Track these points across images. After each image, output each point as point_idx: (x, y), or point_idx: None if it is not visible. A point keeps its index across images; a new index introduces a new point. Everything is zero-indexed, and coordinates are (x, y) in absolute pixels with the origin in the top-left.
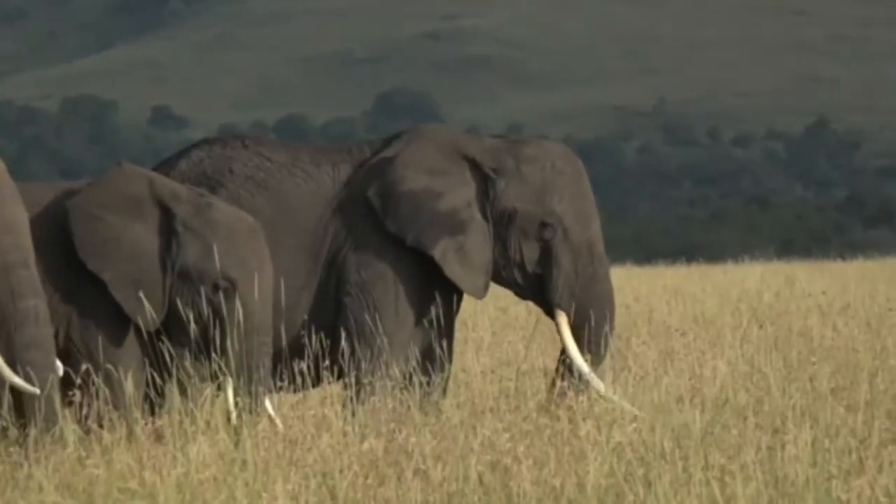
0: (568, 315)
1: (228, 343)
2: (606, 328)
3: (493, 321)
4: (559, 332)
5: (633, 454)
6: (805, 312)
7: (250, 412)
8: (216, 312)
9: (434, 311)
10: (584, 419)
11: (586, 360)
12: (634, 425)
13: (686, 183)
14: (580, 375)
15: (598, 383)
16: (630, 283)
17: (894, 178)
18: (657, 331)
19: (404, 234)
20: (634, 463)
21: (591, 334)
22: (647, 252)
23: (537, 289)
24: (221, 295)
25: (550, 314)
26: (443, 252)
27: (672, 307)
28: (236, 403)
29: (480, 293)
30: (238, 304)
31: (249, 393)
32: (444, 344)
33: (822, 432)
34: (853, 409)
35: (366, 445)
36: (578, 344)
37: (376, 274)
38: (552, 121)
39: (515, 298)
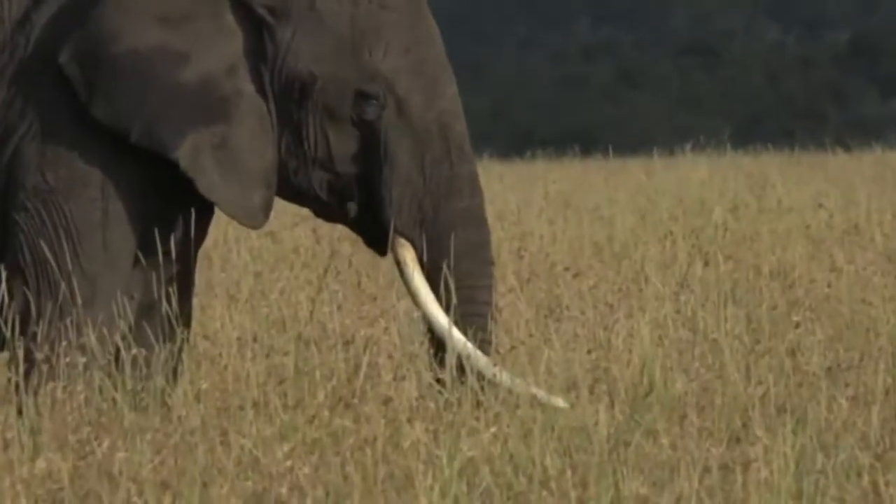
0: (414, 244)
1: None
2: (478, 271)
3: (255, 255)
4: (402, 274)
5: (493, 479)
6: (783, 238)
7: None
8: None
9: (166, 243)
10: (409, 420)
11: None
12: (494, 430)
13: (582, 20)
14: (442, 344)
15: (480, 359)
16: (487, 190)
17: None
18: (533, 270)
19: (124, 127)
20: (496, 493)
21: (455, 281)
22: (513, 138)
23: (353, 204)
24: None
25: (379, 245)
26: (192, 154)
27: (558, 229)
28: None
29: (257, 217)
30: None
31: None
32: (175, 294)
33: (810, 440)
34: (863, 403)
35: (42, 464)
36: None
37: (73, 177)
38: None
39: (291, 218)
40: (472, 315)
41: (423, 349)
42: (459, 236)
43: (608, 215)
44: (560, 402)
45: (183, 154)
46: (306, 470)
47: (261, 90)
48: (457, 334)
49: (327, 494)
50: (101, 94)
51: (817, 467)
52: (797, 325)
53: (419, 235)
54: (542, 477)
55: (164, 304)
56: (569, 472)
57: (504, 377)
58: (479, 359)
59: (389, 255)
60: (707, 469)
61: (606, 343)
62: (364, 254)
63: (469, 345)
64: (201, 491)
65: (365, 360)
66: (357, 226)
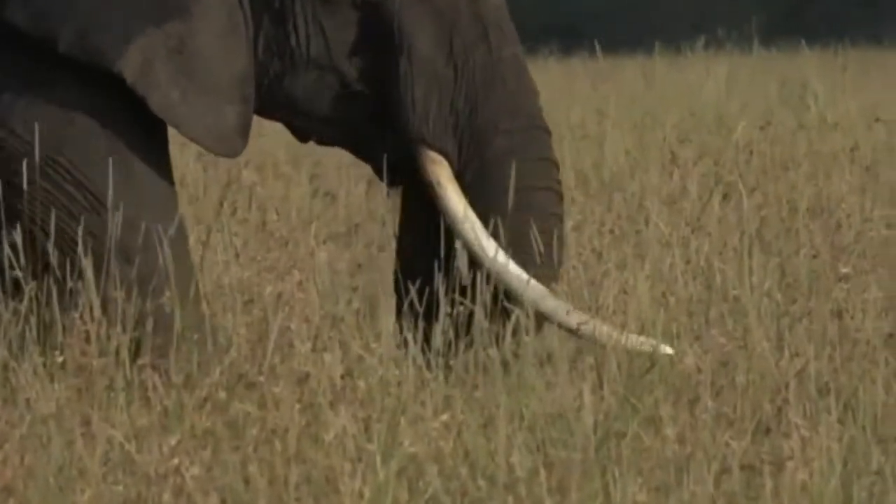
0: (449, 158)
1: None
2: (537, 173)
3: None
4: (437, 199)
5: (443, 483)
6: (827, 164)
7: None
8: None
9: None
10: (331, 404)
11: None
12: (444, 418)
13: None
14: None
15: (549, 300)
16: None
17: None
18: None
19: (49, 32)
20: (445, 501)
21: (504, 207)
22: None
23: (363, 114)
24: None
25: (399, 174)
26: (141, 63)
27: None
28: None
29: (231, 142)
30: None
31: None
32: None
33: (863, 431)
34: None
35: None
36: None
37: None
38: None
39: (173, 137)
40: (536, 235)
41: (348, 310)
42: (505, 138)
43: (595, 133)
44: (668, 349)
45: (129, 64)
46: (195, 470)
47: None
48: (515, 270)
49: (223, 502)
50: None
51: (872, 467)
52: (845, 279)
53: (454, 145)
54: (508, 479)
55: (7, 247)
56: (543, 473)
57: (584, 323)
58: (548, 300)
59: (299, 187)
60: (726, 469)
61: (593, 302)
62: (272, 183)
63: (533, 282)
64: (56, 497)
65: (274, 325)
66: (368, 145)
